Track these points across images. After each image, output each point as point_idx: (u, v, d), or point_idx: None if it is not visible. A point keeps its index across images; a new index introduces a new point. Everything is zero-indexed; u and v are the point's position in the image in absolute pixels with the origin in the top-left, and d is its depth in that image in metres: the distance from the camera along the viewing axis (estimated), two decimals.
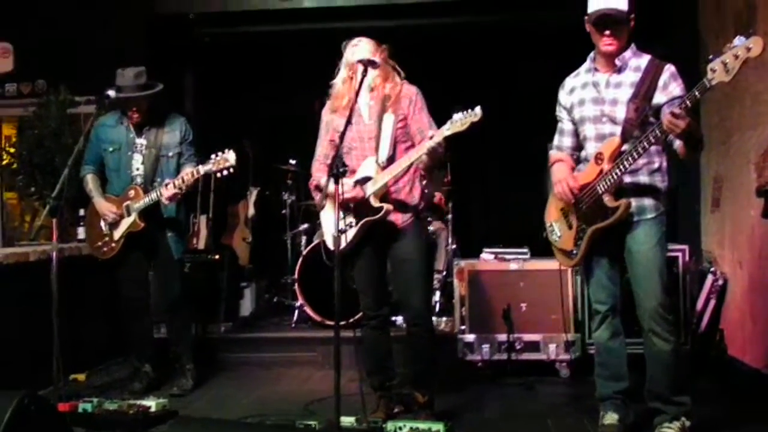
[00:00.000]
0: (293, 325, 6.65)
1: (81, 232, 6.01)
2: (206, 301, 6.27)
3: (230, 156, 4.85)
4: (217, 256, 6.72)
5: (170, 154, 5.23)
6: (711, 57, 3.41)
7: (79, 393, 4.93)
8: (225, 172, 4.89)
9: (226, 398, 5.20)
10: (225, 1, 6.98)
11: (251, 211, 8.04)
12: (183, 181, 4.96)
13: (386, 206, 4.19)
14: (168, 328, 5.53)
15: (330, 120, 4.45)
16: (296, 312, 6.66)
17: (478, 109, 3.87)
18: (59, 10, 6.81)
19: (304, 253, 6.60)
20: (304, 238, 7.12)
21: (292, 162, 7.41)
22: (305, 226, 7.19)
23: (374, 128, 4.31)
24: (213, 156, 4.89)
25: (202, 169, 4.93)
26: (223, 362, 6.07)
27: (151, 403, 4.51)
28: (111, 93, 4.93)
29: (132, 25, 6.99)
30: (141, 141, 5.23)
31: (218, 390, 5.42)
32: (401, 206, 4.32)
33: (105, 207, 5.18)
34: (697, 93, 3.46)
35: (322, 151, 4.51)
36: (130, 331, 5.45)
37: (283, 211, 7.42)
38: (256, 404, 5.02)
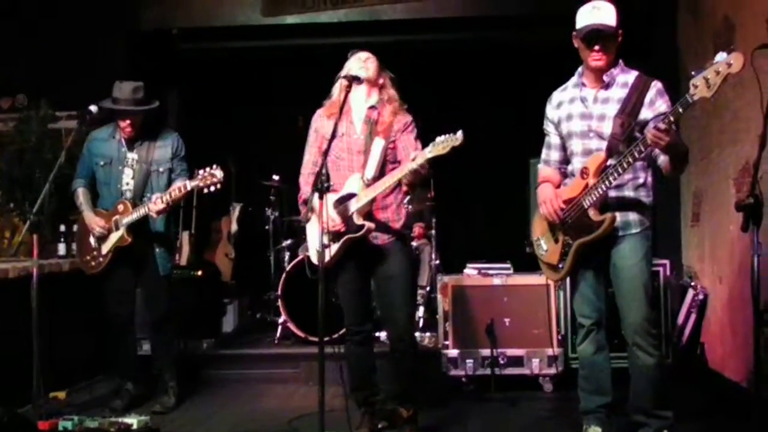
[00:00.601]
0: (276, 341, 6.62)
1: (61, 249, 5.97)
2: (189, 317, 6.23)
3: (217, 172, 4.85)
4: (199, 272, 6.69)
5: (161, 169, 5.21)
6: (693, 73, 3.45)
7: (60, 411, 4.88)
8: (212, 188, 4.89)
9: (208, 415, 5.17)
10: (208, 16, 6.99)
11: (234, 226, 8.03)
12: (171, 196, 4.94)
13: (368, 224, 4.21)
14: (151, 344, 5.47)
15: (320, 126, 4.46)
16: (279, 328, 6.64)
17: (459, 134, 3.88)
18: (40, 25, 6.80)
19: (288, 269, 6.58)
20: (287, 254, 7.10)
21: (276, 178, 7.42)
22: (288, 242, 7.18)
23: (363, 143, 4.34)
24: (201, 172, 4.88)
25: (190, 184, 4.91)
26: (206, 379, 6.03)
27: (133, 421, 4.48)
28: (93, 108, 4.92)
29: (114, 40, 6.98)
30: (132, 155, 5.21)
31: (201, 407, 5.38)
32: (386, 225, 4.35)
33: (93, 221, 5.15)
34: (680, 108, 3.49)
35: (310, 158, 4.51)
36: (114, 347, 5.41)
37: (267, 227, 7.42)
38: (239, 421, 4.99)
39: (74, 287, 5.76)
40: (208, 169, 4.86)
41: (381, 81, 4.39)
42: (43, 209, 4.57)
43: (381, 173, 4.28)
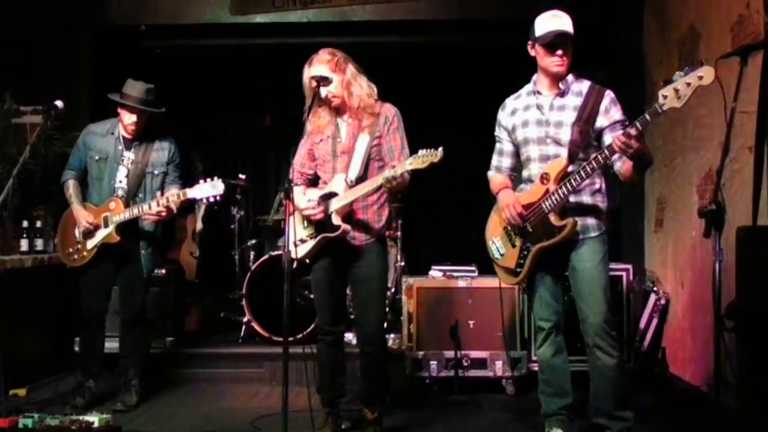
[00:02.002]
0: (240, 340, 6.59)
1: (24, 244, 5.89)
2: (152, 315, 6.17)
3: (219, 185, 4.84)
4: (163, 271, 6.64)
5: (156, 172, 5.20)
6: (663, 83, 3.51)
7: (20, 408, 4.82)
8: (212, 200, 4.89)
9: (171, 414, 5.13)
10: (176, 13, 6.94)
11: (199, 225, 7.97)
12: (168, 201, 4.92)
13: (344, 226, 4.20)
14: (120, 340, 5.37)
15: (310, 131, 4.43)
16: (243, 327, 6.61)
17: (440, 151, 3.88)
18: (5, 18, 6.70)
19: (253, 268, 6.56)
20: (252, 254, 7.08)
21: (242, 177, 7.38)
22: (254, 241, 7.15)
23: (347, 144, 4.32)
24: (201, 182, 4.88)
25: (190, 193, 4.89)
26: (169, 378, 5.98)
27: (94, 419, 4.43)
28: (59, 103, 4.85)
29: (81, 35, 6.91)
30: (129, 155, 5.18)
31: (163, 406, 5.34)
32: (366, 225, 4.33)
33: (82, 215, 5.08)
34: (648, 117, 3.55)
35: (299, 159, 4.48)
36: (81, 342, 5.35)
37: (232, 226, 7.38)
38: (201, 421, 4.96)
39: (36, 283, 5.71)
40: (209, 180, 4.86)
41: (344, 79, 4.27)
42: (7, 205, 4.50)
43: (365, 171, 4.27)
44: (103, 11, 6.96)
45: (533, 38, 3.99)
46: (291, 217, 4.32)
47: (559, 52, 3.92)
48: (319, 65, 4.25)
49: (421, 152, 3.92)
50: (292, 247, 4.28)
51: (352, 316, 5.51)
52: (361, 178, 4.26)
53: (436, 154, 3.89)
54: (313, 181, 4.51)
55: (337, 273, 4.42)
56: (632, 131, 3.57)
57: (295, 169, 4.47)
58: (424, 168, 3.92)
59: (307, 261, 4.36)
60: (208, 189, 4.84)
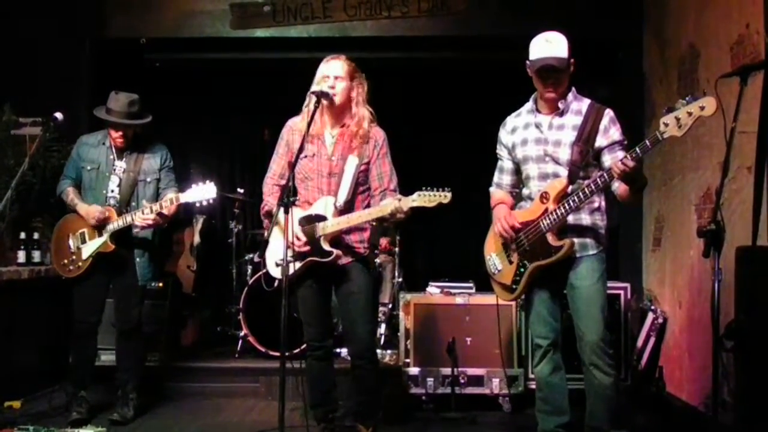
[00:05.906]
0: (237, 355, 6.57)
1: (21, 256, 5.88)
2: (148, 328, 6.16)
3: (211, 187, 4.86)
4: (160, 284, 6.62)
5: (148, 179, 5.20)
6: (665, 111, 3.52)
7: (15, 420, 4.80)
8: (204, 202, 4.89)
9: (166, 429, 5.11)
10: (177, 27, 6.95)
11: (197, 239, 7.96)
12: (161, 207, 4.93)
13: (336, 252, 4.20)
14: (117, 354, 5.35)
15: (291, 140, 4.40)
16: (240, 342, 6.59)
17: (449, 194, 3.92)
18: (4, 30, 6.72)
19: (250, 283, 6.54)
20: (249, 268, 7.06)
21: (240, 191, 7.37)
22: (251, 255, 7.14)
23: (336, 166, 4.29)
24: (194, 185, 4.89)
25: (183, 197, 4.90)
26: (165, 391, 5.96)
27: None
28: (58, 115, 4.86)
29: (81, 47, 6.91)
30: (121, 164, 5.18)
31: (159, 420, 5.32)
32: (349, 246, 4.33)
33: (90, 210, 5.04)
34: (648, 144, 3.57)
35: (278, 169, 4.46)
36: (74, 354, 5.32)
37: (230, 240, 7.37)
38: None
39: (33, 295, 5.69)
40: (201, 183, 4.88)
41: (353, 95, 4.32)
42: (4, 216, 4.49)
43: (353, 196, 4.27)
44: (104, 24, 6.96)
45: (528, 60, 4.01)
46: (272, 236, 4.31)
47: (550, 80, 3.96)
48: (337, 62, 4.28)
49: (427, 192, 3.94)
50: (272, 268, 4.29)
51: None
52: (349, 203, 4.25)
53: (445, 196, 3.93)
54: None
55: (322, 289, 4.41)
56: (632, 157, 3.59)
57: (272, 182, 4.46)
58: (431, 207, 3.93)
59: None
60: (201, 192, 4.86)
